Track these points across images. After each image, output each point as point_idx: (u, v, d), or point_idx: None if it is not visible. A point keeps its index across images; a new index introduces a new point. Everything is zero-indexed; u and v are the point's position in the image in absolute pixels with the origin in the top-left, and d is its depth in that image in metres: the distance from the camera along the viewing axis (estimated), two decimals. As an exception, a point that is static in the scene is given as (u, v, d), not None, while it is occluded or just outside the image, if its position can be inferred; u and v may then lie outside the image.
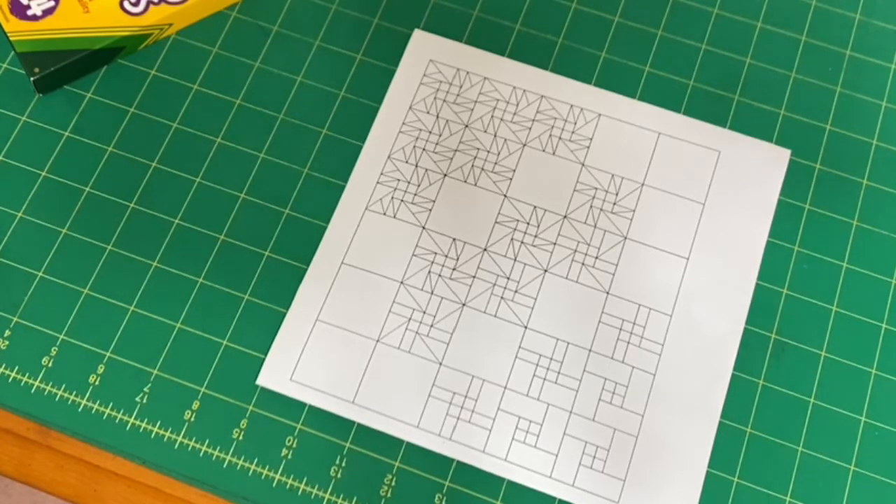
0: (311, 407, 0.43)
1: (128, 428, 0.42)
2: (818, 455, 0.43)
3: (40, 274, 0.45)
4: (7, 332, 0.44)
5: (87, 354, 0.44)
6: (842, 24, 0.50)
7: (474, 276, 0.45)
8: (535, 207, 0.46)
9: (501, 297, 0.45)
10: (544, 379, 0.43)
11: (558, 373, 0.43)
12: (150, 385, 0.43)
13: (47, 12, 0.47)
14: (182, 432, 0.42)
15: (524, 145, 0.47)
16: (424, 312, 0.44)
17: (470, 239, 0.46)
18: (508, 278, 0.45)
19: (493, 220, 0.46)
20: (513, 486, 0.42)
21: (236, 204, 0.46)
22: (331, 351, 0.44)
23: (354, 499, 0.42)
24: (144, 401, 0.43)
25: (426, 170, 0.47)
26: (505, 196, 0.46)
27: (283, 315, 0.44)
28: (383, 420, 0.43)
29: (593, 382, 0.43)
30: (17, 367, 0.43)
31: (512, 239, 0.46)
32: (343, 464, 0.42)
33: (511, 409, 0.43)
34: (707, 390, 0.43)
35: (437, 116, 0.48)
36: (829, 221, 0.47)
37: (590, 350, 0.44)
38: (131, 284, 0.45)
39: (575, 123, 0.48)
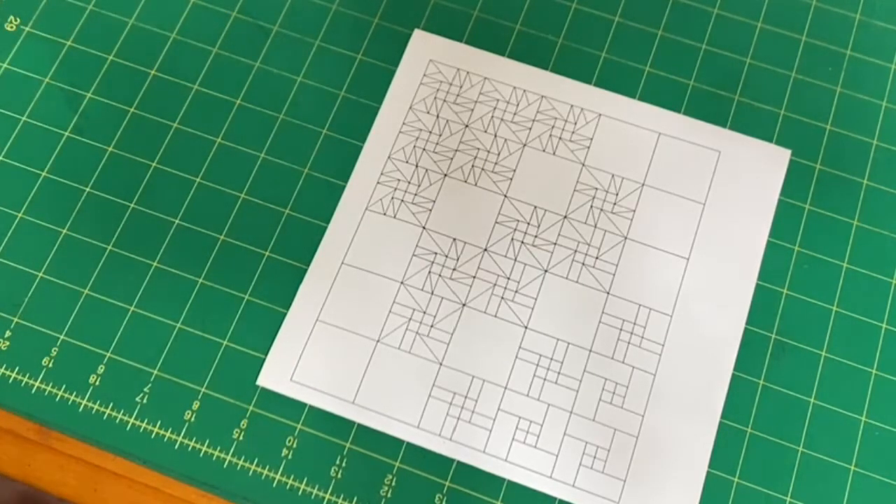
0: (311, 407, 0.43)
1: (128, 428, 0.42)
2: (818, 455, 0.43)
3: (40, 274, 0.45)
4: (7, 333, 0.44)
5: (87, 354, 0.44)
6: (842, 24, 0.50)
7: (474, 277, 0.45)
8: (535, 207, 0.46)
9: (502, 298, 0.45)
10: (544, 379, 0.43)
11: (558, 373, 0.43)
12: (150, 385, 0.43)
13: None
14: (182, 432, 0.42)
15: (524, 145, 0.47)
16: (425, 313, 0.44)
17: (470, 239, 0.46)
18: (509, 278, 0.45)
19: (493, 220, 0.46)
20: (513, 486, 0.42)
21: (236, 204, 0.46)
22: (331, 351, 0.44)
23: (354, 499, 0.42)
24: (144, 401, 0.43)
25: (426, 170, 0.47)
26: (505, 196, 0.46)
27: (284, 315, 0.44)
28: (383, 420, 0.43)
29: (593, 382, 0.43)
30: (17, 368, 0.43)
31: (512, 239, 0.46)
32: (343, 464, 0.42)
33: (511, 410, 0.43)
34: (707, 390, 0.43)
35: (438, 116, 0.48)
36: (829, 221, 0.47)
37: (590, 350, 0.44)
38: (131, 284, 0.45)
39: (575, 123, 0.48)
